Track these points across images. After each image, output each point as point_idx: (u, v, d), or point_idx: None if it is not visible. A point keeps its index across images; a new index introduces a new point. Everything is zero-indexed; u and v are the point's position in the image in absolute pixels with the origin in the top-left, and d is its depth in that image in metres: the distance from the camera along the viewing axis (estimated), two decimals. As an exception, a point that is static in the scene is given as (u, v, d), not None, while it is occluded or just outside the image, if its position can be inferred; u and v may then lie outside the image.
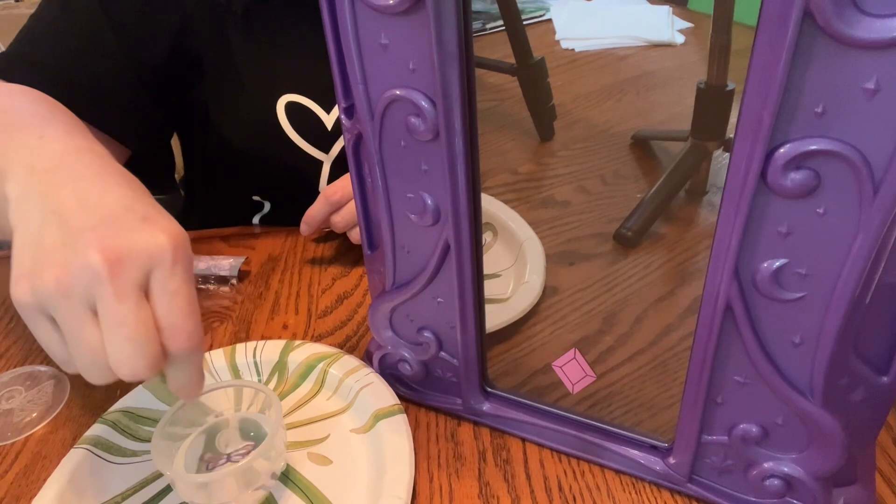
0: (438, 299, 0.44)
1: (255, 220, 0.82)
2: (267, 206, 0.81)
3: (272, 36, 0.70)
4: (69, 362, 0.36)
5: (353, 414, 0.49)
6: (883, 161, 0.28)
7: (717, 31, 0.34)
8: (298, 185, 0.74)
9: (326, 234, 0.73)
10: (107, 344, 0.33)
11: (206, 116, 0.73)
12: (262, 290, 0.65)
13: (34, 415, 0.52)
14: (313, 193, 0.67)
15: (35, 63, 0.60)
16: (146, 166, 0.72)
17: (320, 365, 0.52)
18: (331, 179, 0.74)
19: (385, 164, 0.40)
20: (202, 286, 0.65)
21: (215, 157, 0.78)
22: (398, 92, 0.37)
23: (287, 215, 0.80)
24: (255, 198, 0.80)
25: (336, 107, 0.70)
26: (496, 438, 0.48)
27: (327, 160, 0.73)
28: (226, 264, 0.66)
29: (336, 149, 0.73)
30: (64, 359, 0.36)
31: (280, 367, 0.53)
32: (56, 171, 0.39)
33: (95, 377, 0.35)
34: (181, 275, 0.35)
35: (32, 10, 0.68)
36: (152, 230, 0.35)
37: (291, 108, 0.71)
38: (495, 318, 0.47)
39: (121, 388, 0.54)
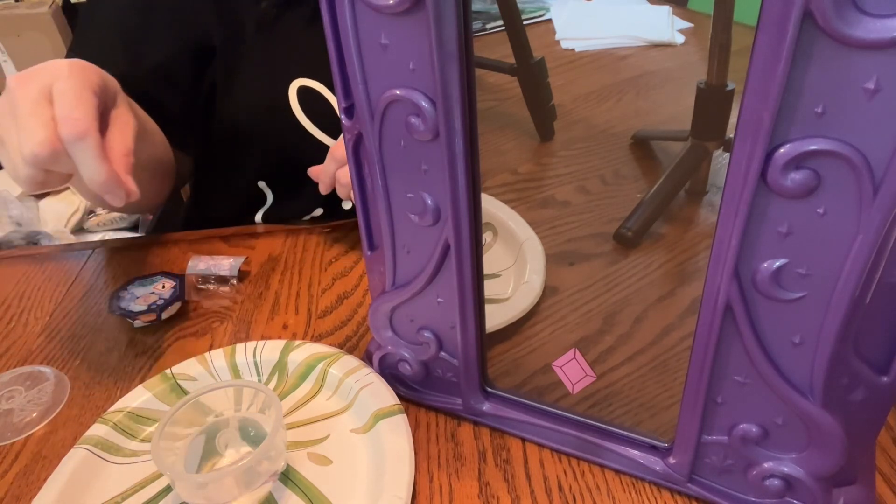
0: (438, 299, 0.44)
1: (258, 217, 0.82)
2: (270, 198, 0.81)
3: (290, 22, 0.71)
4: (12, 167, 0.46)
5: (353, 414, 0.49)
6: (883, 161, 0.28)
7: (717, 31, 0.34)
8: (303, 171, 0.74)
9: (326, 234, 0.73)
10: (19, 134, 0.44)
11: (215, 95, 0.74)
12: (262, 290, 0.65)
13: (34, 415, 0.52)
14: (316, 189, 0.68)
15: None
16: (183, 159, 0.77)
17: (320, 365, 0.52)
18: None
19: (385, 164, 0.40)
20: (202, 286, 0.65)
21: (222, 138, 0.78)
22: (398, 92, 0.37)
23: (289, 208, 0.80)
24: (260, 183, 0.80)
25: None
26: (496, 438, 0.48)
27: None
28: (226, 264, 0.66)
29: None
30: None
31: (280, 367, 0.54)
32: None
33: (14, 169, 0.45)
34: (72, 81, 0.44)
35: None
36: (57, 62, 0.47)
37: (304, 93, 0.72)
38: (495, 318, 0.47)
39: (121, 388, 0.54)
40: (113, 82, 0.49)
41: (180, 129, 0.73)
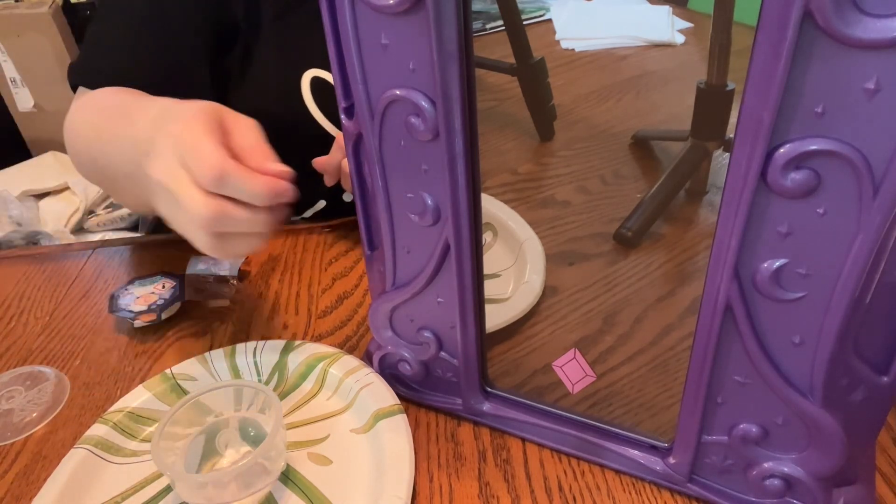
0: (438, 299, 0.44)
1: None
2: None
3: (307, 13, 0.71)
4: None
5: (353, 414, 0.49)
6: (883, 161, 0.28)
7: (717, 31, 0.34)
8: (310, 162, 0.74)
9: (326, 234, 0.73)
10: (178, 213, 0.45)
11: (230, 80, 0.74)
12: (262, 290, 0.65)
13: (34, 415, 0.52)
14: (321, 180, 0.68)
15: (111, 69, 0.67)
16: None
17: (320, 365, 0.52)
18: None
19: (385, 164, 0.40)
20: (202, 286, 0.65)
21: None
22: (398, 92, 0.37)
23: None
24: None
25: None
26: (496, 438, 0.48)
27: None
28: (226, 264, 0.66)
29: None
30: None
31: (280, 367, 0.54)
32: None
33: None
34: (189, 141, 0.43)
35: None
36: (164, 140, 0.45)
37: (316, 84, 0.72)
38: (495, 318, 0.47)
39: (121, 388, 0.54)
40: (212, 107, 0.48)
41: None
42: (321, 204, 0.82)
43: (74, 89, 0.69)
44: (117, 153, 0.55)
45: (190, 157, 0.42)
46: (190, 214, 0.42)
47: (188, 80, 0.70)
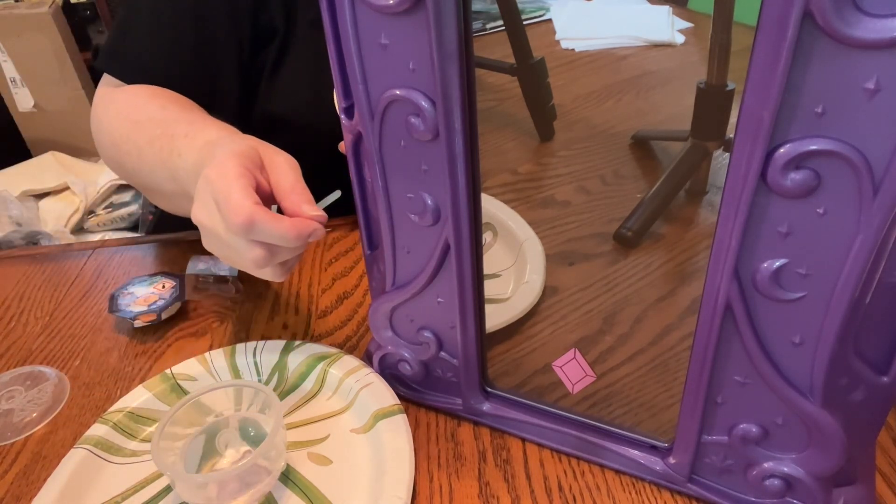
0: (438, 299, 0.44)
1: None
2: None
3: None
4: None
5: (353, 414, 0.49)
6: (883, 161, 0.28)
7: (717, 31, 0.34)
8: (328, 160, 0.74)
9: (327, 234, 0.73)
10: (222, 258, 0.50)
11: (260, 82, 0.74)
12: (262, 290, 0.65)
13: (34, 415, 0.52)
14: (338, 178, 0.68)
15: (148, 64, 0.67)
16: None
17: (320, 365, 0.52)
18: None
19: (385, 164, 0.40)
20: (202, 286, 0.65)
21: (259, 126, 0.78)
22: (398, 92, 0.37)
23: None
24: None
25: None
26: (496, 438, 0.48)
27: None
28: (226, 264, 0.66)
29: None
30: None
31: (280, 367, 0.53)
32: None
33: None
34: (220, 183, 0.44)
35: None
36: (202, 182, 0.46)
37: None
38: (495, 318, 0.47)
39: (121, 388, 0.54)
40: (250, 147, 0.48)
41: (223, 113, 0.74)
42: (337, 194, 0.81)
43: (100, 74, 0.68)
44: (161, 179, 0.56)
45: (221, 206, 0.43)
46: (242, 260, 0.46)
47: (216, 83, 0.70)
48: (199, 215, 0.46)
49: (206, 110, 0.69)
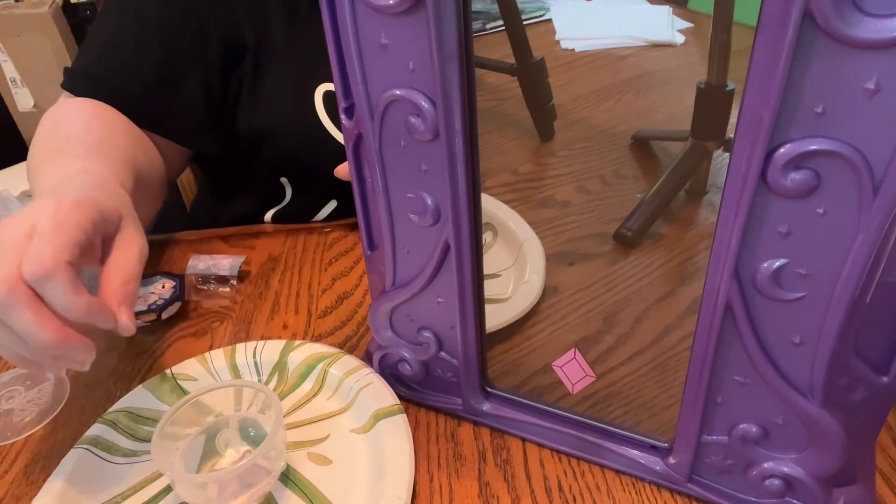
0: (438, 299, 0.44)
1: (268, 217, 0.82)
2: (288, 195, 0.81)
3: (318, 26, 0.71)
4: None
5: (353, 414, 0.49)
6: (883, 161, 0.28)
7: (717, 31, 0.34)
8: (322, 168, 0.74)
9: (326, 234, 0.73)
10: None
11: (241, 94, 0.74)
12: (262, 290, 0.65)
13: (34, 415, 0.52)
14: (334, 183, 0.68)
15: (97, 77, 0.67)
16: (210, 157, 0.78)
17: (320, 365, 0.52)
18: None
19: (385, 164, 0.40)
20: (202, 286, 0.65)
21: (244, 136, 0.78)
22: (398, 92, 0.37)
23: (304, 200, 0.80)
24: (283, 179, 0.80)
25: None
26: (496, 438, 0.48)
27: None
28: (226, 264, 0.66)
29: None
30: None
31: (280, 367, 0.54)
32: (50, 191, 0.47)
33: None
34: (56, 220, 0.40)
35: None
36: (46, 203, 0.41)
37: (329, 97, 0.73)
38: (495, 318, 0.47)
39: (121, 388, 0.54)
40: (116, 208, 0.45)
41: (201, 129, 0.73)
42: (333, 204, 0.81)
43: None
44: (34, 189, 0.56)
45: (37, 237, 0.39)
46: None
47: (174, 103, 0.69)
48: (4, 224, 0.41)
49: (160, 130, 0.70)
